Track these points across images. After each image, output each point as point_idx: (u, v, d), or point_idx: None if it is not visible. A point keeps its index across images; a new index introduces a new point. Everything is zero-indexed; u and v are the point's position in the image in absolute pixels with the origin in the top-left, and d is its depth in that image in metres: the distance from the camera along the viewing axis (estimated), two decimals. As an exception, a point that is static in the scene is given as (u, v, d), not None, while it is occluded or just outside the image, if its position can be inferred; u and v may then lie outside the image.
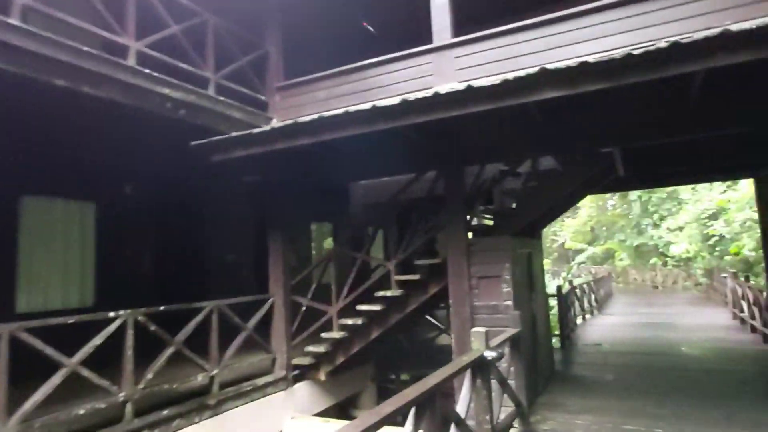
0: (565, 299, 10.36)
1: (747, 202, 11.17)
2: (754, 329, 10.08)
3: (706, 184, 15.75)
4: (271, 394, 6.89)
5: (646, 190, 26.04)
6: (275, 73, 7.94)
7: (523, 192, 6.16)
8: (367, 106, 4.89)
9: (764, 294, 8.99)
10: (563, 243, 41.64)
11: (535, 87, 4.09)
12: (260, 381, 6.68)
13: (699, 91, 4.18)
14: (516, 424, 5.17)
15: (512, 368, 5.26)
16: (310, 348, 7.22)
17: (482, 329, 4.15)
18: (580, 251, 39.82)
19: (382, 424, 2.47)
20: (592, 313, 14.53)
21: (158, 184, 7.95)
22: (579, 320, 13.15)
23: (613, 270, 30.09)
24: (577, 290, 13.18)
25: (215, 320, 6.20)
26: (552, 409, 5.77)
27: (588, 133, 5.30)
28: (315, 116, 5.31)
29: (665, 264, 25.39)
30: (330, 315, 7.15)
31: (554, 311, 10.14)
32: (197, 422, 5.76)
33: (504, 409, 5.03)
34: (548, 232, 48.68)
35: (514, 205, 6.30)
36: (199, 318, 6.02)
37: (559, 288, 9.75)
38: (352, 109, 5.00)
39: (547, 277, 19.84)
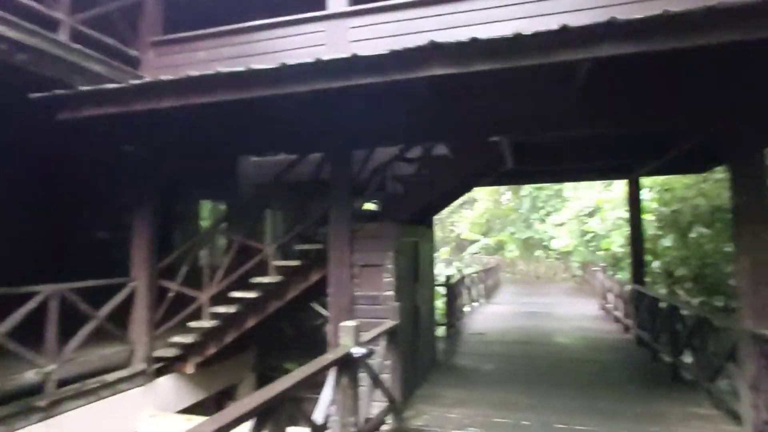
0: (453, 289, 10.49)
1: (620, 202, 12.12)
2: (617, 320, 10.96)
3: (588, 184, 17.01)
4: (126, 390, 6.08)
5: (536, 185, 27.78)
6: (151, 26, 6.97)
7: (411, 178, 5.92)
8: (240, 68, 4.29)
9: (627, 287, 9.74)
10: (460, 234, 43.48)
11: (424, 62, 3.79)
12: (111, 377, 5.84)
13: (584, 83, 4.14)
14: (389, 420, 4.94)
15: (388, 362, 5.02)
16: (177, 338, 6.48)
17: (351, 323, 3.81)
18: (475, 242, 41.87)
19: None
20: (479, 301, 15.06)
21: (14, 152, 6.74)
22: (467, 308, 13.54)
23: (503, 261, 31.87)
24: (467, 280, 13.53)
25: (54, 307, 5.28)
26: (428, 402, 5.65)
27: (478, 121, 5.15)
28: (182, 75, 4.59)
29: (548, 256, 27.33)
30: (201, 302, 6.45)
31: (443, 300, 10.23)
32: (22, 428, 4.86)
33: (378, 405, 4.80)
34: (447, 222, 50.64)
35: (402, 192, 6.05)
36: (31, 305, 5.09)
37: (447, 278, 9.83)
38: (223, 70, 4.37)
39: (443, 266, 20.42)
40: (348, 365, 3.66)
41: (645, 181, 10.61)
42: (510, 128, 5.03)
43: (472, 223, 42.28)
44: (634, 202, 9.13)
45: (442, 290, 10.14)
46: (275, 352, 8.88)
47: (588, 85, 4.28)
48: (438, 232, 54.18)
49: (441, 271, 16.70)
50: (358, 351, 3.71)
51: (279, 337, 9.00)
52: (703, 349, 5.44)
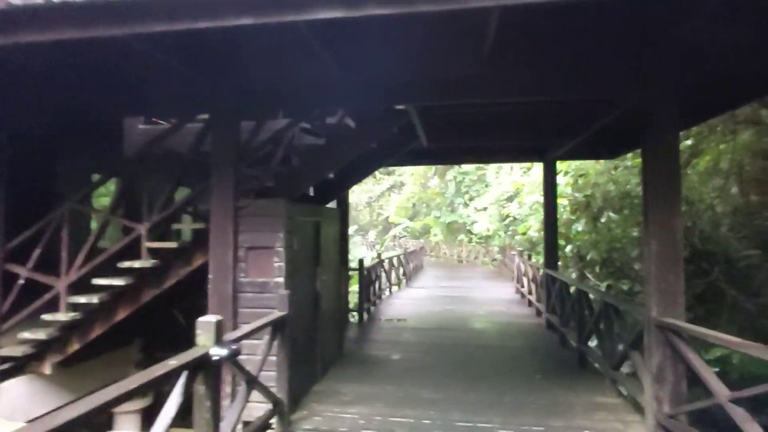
0: (368, 273, 9.99)
1: (537, 186, 12.20)
2: (531, 303, 11.02)
3: (510, 170, 17.17)
4: (-43, 399, 4.98)
5: (461, 171, 28.02)
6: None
7: (307, 149, 5.22)
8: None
9: (540, 272, 9.73)
10: (387, 217, 43.37)
11: (306, 2, 3.09)
12: (-69, 384, 4.74)
13: (492, 44, 3.64)
14: (274, 424, 4.31)
15: (275, 359, 4.37)
16: (27, 334, 5.42)
17: (211, 318, 3.10)
18: (401, 225, 41.98)
19: None
20: (399, 285, 14.77)
21: None
22: (386, 293, 13.16)
23: (428, 244, 32.12)
24: (386, 263, 13.13)
25: None
26: (324, 400, 5.08)
27: (383, 86, 4.56)
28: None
29: (470, 241, 27.78)
30: (57, 291, 5.42)
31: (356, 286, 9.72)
32: None
33: (262, 407, 4.16)
34: (375, 205, 50.44)
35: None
36: None
37: (361, 261, 9.31)
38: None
39: (365, 250, 19.95)
40: (204, 369, 2.97)
41: (561, 165, 10.63)
42: (416, 94, 4.48)
43: (399, 207, 42.31)
44: (549, 186, 9.03)
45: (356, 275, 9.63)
46: (164, 344, 7.91)
47: (496, 50, 3.81)
48: (366, 215, 54.01)
49: (363, 254, 16.20)
50: (218, 352, 3.02)
51: (169, 327, 8.03)
52: (609, 336, 5.28)
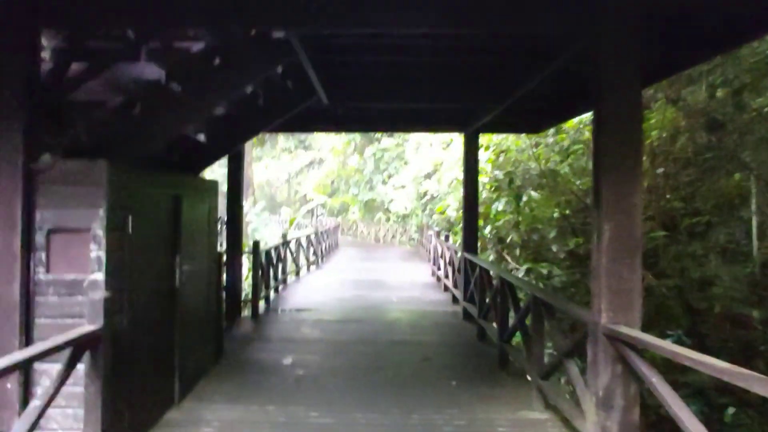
0: (267, 257, 8.62)
1: (456, 162, 11.39)
2: (447, 288, 10.25)
3: (429, 145, 16.33)
4: None
5: (378, 146, 27.01)
6: None
7: (151, 90, 3.72)
8: None
9: (458, 254, 8.93)
10: (305, 195, 41.58)
11: None
12: None
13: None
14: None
15: (85, 392, 2.99)
16: None
17: None
18: (319, 204, 40.46)
19: None
20: (308, 268, 13.49)
21: None
22: (292, 278, 11.85)
23: (346, 223, 30.99)
24: (292, 244, 11.78)
25: None
26: (176, 434, 3.76)
27: (253, 5, 3.20)
28: None
29: (388, 219, 27.01)
30: None
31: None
32: None
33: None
34: (294, 182, 48.33)
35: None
36: None
37: (255, 244, 7.90)
38: None
39: (277, 229, 18.24)
40: None
41: (482, 140, 9.79)
42: (297, 16, 3.17)
43: (318, 184, 40.68)
44: (469, 161, 8.15)
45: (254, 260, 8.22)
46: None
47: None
48: (284, 193, 51.82)
49: (276, 233, 14.67)
50: None
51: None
52: (538, 338, 4.41)
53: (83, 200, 3.28)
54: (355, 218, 30.49)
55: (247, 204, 14.04)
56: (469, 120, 7.80)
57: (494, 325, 6.14)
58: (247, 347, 6.29)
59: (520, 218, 9.18)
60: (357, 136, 28.32)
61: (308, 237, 13.64)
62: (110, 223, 3.32)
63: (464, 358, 5.98)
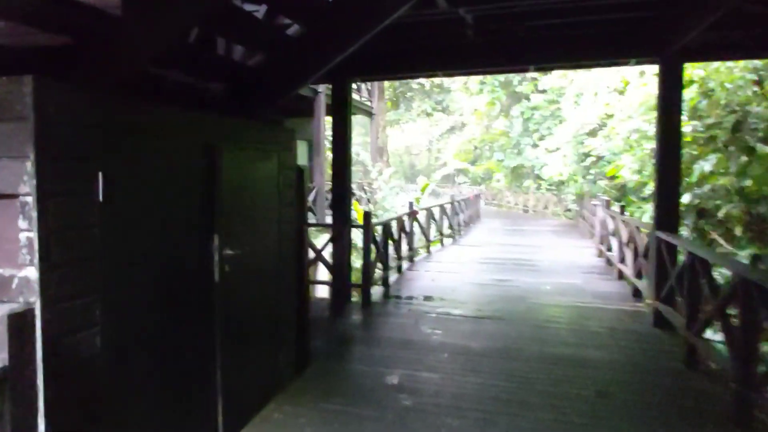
0: (383, 231, 7.09)
1: (639, 107, 8.49)
2: (622, 276, 7.70)
3: (595, 95, 13.17)
4: None
5: (527, 104, 23.75)
6: None
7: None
8: None
9: (644, 234, 6.38)
10: (445, 162, 39.69)
11: None
12: None
13: None
14: None
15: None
16: None
17: None
18: (463, 171, 38.31)
19: None
20: (442, 242, 11.77)
21: None
22: (421, 254, 10.26)
23: (490, 191, 28.48)
24: (422, 216, 10.13)
25: None
26: None
27: None
28: None
29: (539, 187, 23.91)
30: None
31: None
32: None
33: None
34: (433, 149, 46.65)
35: None
36: None
37: (367, 215, 6.37)
38: None
39: (403, 197, 16.76)
40: None
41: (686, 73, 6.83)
42: None
43: (459, 150, 38.48)
44: (668, 101, 5.48)
45: (375, 234, 6.75)
46: None
47: None
48: (424, 160, 50.61)
49: (399, 203, 13.25)
50: None
51: None
52: None
53: (7, 145, 1.93)
54: (499, 186, 27.81)
55: (374, 171, 12.75)
56: (668, 38, 5.17)
57: (720, 347, 3.78)
58: (346, 352, 4.84)
59: (746, 183, 6.21)
60: (502, 95, 25.35)
61: (442, 207, 11.88)
62: (48, 183, 1.93)
63: (667, 398, 3.74)
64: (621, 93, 10.40)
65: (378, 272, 7.16)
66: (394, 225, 7.80)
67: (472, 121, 36.16)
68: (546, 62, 6.19)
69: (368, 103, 16.19)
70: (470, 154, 37.07)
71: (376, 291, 6.88)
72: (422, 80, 28.66)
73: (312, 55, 3.48)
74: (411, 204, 9.06)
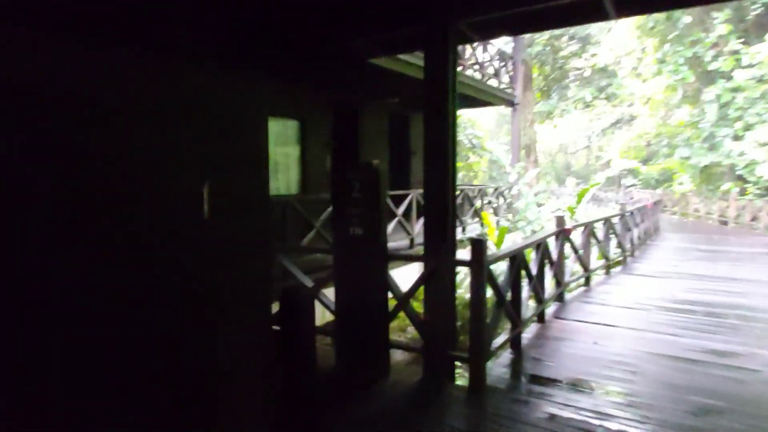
0: (516, 265, 4.55)
1: None
2: None
3: None
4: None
5: (725, 85, 18.29)
6: None
7: None
8: None
9: None
10: (609, 161, 34.10)
11: None
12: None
13: None
14: None
15: None
16: None
17: None
18: (632, 172, 32.57)
19: None
20: (608, 271, 8.60)
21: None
22: (577, 288, 7.39)
23: (668, 197, 23.10)
24: (576, 236, 7.23)
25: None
26: None
27: None
28: None
29: (744, 192, 18.34)
30: None
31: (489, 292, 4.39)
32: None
33: None
34: (594, 147, 40.70)
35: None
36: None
37: (478, 246, 3.80)
38: None
39: (549, 203, 13.38)
40: None
41: None
42: None
43: (627, 147, 32.74)
44: None
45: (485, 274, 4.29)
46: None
47: None
48: (582, 159, 44.93)
49: (542, 212, 10.27)
50: None
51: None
52: None
53: None
54: (682, 190, 22.38)
55: (513, 172, 10.08)
56: None
57: None
58: None
59: None
60: (689, 75, 20.11)
61: (608, 221, 8.69)
62: None
63: None
64: None
65: (503, 324, 4.69)
66: (531, 254, 5.21)
67: (644, 113, 30.37)
68: None
69: (509, 91, 13.44)
70: (642, 151, 31.25)
71: (499, 363, 4.41)
72: (581, 64, 24.47)
73: None
74: (561, 220, 6.32)
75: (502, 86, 12.87)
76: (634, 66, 26.28)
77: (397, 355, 5.37)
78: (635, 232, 10.75)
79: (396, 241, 8.06)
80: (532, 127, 18.49)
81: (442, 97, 3.85)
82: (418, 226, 8.67)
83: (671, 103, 27.05)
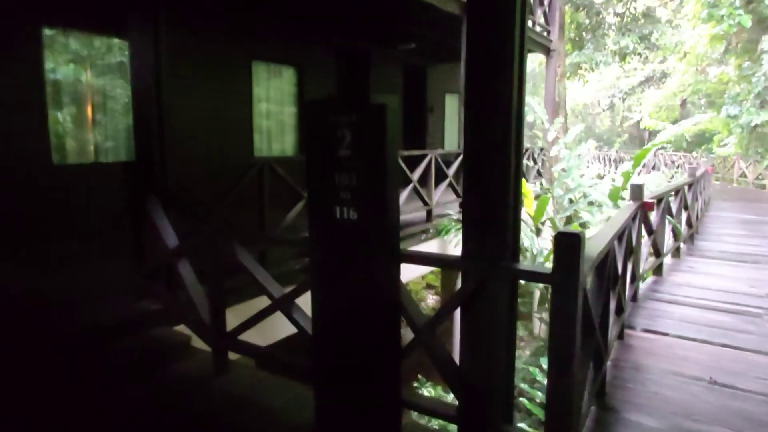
0: (606, 269, 2.82)
1: None
2: None
3: None
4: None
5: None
6: None
7: None
8: None
9: None
10: (639, 121, 31.64)
11: None
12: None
13: None
14: None
15: None
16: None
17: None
18: (658, 132, 30.18)
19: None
20: (678, 253, 6.81)
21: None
22: (644, 280, 5.66)
23: (709, 161, 20.91)
24: (654, 215, 5.42)
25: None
26: None
27: None
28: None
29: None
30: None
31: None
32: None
33: None
34: (620, 106, 37.98)
35: None
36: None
37: (572, 243, 2.12)
38: None
39: (594, 169, 11.07)
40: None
41: None
42: None
43: (658, 107, 30.24)
44: None
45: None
46: None
47: None
48: (605, 121, 42.25)
49: (584, 180, 8.41)
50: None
51: None
52: None
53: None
54: (726, 153, 20.19)
55: (551, 130, 8.20)
56: None
57: None
58: None
59: None
60: (746, 19, 17.52)
61: (680, 192, 6.83)
62: None
63: None
64: None
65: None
66: (610, 259, 3.44)
67: (679, 69, 27.68)
68: None
69: (545, 35, 11.33)
70: (674, 110, 28.77)
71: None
72: (621, 8, 21.79)
73: None
74: (638, 189, 4.49)
75: (537, 29, 10.76)
76: (677, 12, 23.59)
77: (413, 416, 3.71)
78: (698, 204, 8.89)
79: (409, 213, 6.28)
80: (561, 81, 16.29)
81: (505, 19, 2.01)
82: (438, 194, 6.87)
83: (712, 57, 24.46)
